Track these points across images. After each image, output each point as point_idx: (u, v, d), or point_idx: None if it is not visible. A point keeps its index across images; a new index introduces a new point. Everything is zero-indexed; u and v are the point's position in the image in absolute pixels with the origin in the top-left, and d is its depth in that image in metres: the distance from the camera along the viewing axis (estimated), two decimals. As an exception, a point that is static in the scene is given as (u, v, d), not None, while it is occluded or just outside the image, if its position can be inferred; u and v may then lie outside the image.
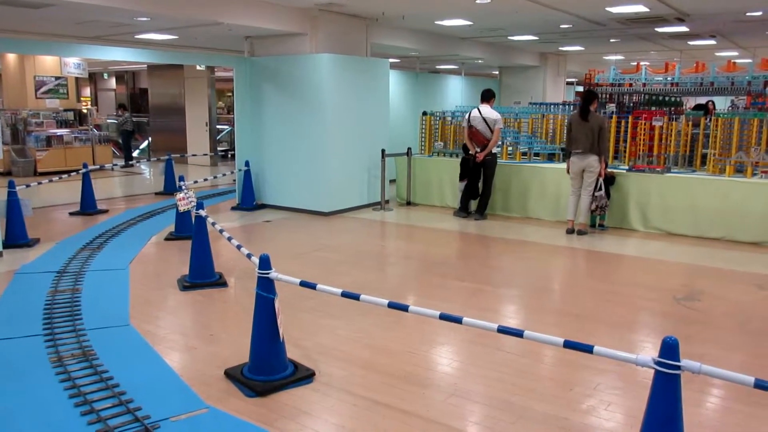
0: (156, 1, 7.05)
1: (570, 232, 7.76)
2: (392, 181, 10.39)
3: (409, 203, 9.93)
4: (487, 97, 8.62)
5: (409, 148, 9.84)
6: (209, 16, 7.66)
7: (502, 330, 2.68)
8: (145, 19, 7.88)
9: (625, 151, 8.46)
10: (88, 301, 5.04)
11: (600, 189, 7.54)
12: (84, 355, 3.96)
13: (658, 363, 2.25)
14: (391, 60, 10.81)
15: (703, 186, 7.44)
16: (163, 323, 4.67)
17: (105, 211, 9.16)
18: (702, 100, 12.29)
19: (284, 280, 3.46)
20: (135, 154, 17.98)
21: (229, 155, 16.12)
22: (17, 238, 6.96)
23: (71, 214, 9.01)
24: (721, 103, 13.67)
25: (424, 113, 10.12)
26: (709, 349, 4.22)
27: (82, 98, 19.79)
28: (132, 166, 15.43)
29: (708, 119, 8.04)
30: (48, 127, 13.68)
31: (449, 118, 9.98)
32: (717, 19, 9.92)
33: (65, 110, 14.21)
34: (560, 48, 14.92)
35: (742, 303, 5.24)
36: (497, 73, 17.05)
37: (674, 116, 8.40)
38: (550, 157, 9.26)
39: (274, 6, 8.37)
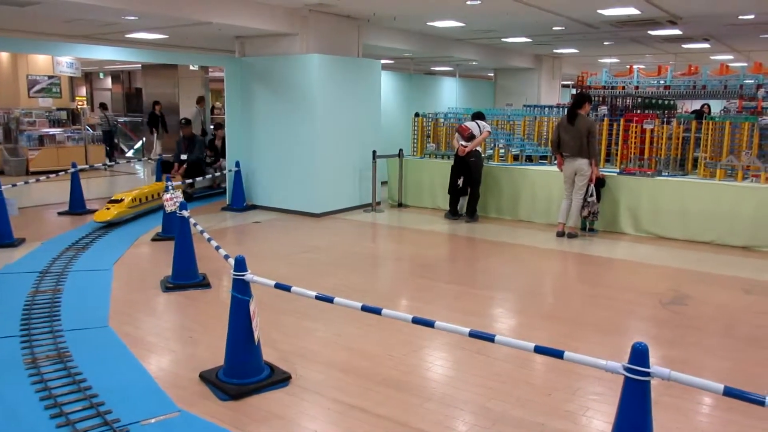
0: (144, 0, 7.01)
1: (560, 235, 7.71)
2: (384, 183, 10.35)
3: (400, 205, 9.89)
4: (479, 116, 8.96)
5: (400, 150, 9.80)
6: (198, 16, 7.61)
7: (474, 335, 2.64)
8: (133, 18, 7.83)
9: (616, 154, 8.43)
10: (69, 302, 4.98)
11: (592, 195, 7.52)
12: (59, 356, 3.91)
13: (627, 369, 2.20)
14: (384, 61, 10.78)
15: (693, 190, 7.40)
16: (142, 325, 4.62)
17: (94, 211, 9.05)
18: (697, 104, 12.26)
19: (259, 282, 3.42)
20: (129, 153, 17.86)
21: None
22: (2, 238, 6.90)
23: (60, 213, 8.95)
24: (717, 107, 13.62)
25: (416, 114, 10.09)
26: (692, 354, 4.18)
27: (77, 98, 19.72)
28: (112, 166, 14.99)
29: (699, 122, 8.00)
30: (40, 126, 13.61)
31: (441, 120, 9.94)
32: (709, 22, 9.90)
33: (58, 109, 14.15)
34: (555, 50, 14.90)
35: (729, 308, 5.19)
36: (492, 75, 17.02)
37: (666, 119, 8.36)
38: (542, 160, 9.22)
39: (264, 6, 8.32)
